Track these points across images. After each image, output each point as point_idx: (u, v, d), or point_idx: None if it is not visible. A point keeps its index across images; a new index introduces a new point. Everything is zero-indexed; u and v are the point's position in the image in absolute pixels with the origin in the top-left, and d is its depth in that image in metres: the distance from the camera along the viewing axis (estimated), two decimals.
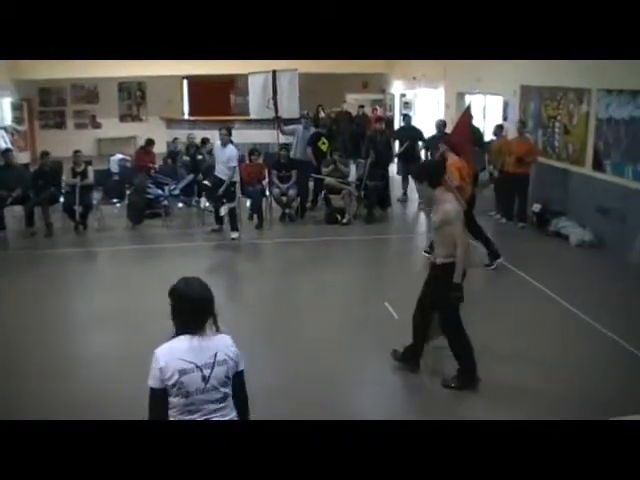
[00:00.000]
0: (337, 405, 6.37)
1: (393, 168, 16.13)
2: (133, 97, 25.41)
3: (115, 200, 14.00)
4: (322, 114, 20.48)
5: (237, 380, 3.74)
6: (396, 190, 15.69)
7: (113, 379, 6.78)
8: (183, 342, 3.64)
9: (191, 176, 14.29)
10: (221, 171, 12.46)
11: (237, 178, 12.69)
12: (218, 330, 3.77)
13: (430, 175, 6.44)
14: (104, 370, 7.07)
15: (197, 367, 3.58)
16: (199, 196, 13.93)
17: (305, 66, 16.96)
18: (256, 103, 15.24)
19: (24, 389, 6.64)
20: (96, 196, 13.86)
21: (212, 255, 11.96)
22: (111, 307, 9.06)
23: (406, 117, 16.61)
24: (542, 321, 8.41)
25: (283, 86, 14.76)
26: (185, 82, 25.53)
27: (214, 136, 15.94)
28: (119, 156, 16.24)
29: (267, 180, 13.90)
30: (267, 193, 13.75)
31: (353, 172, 14.81)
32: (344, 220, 13.38)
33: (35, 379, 6.82)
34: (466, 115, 13.40)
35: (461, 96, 17.48)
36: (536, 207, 12.66)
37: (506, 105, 14.73)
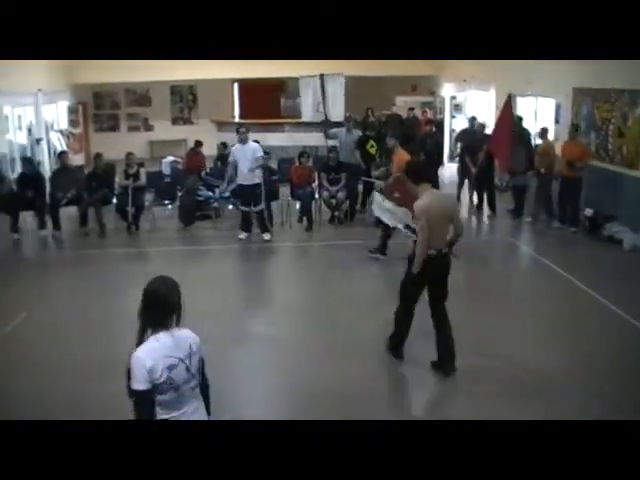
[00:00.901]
0: (382, 409, 6.37)
1: (452, 170, 16.02)
2: (185, 100, 25.70)
3: (167, 202, 14.19)
4: (371, 117, 20.45)
5: (201, 367, 3.95)
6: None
7: None
8: (163, 339, 3.76)
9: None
10: (244, 174, 12.38)
11: (259, 179, 12.60)
12: (178, 324, 3.93)
13: (416, 172, 7.09)
14: None
15: (181, 360, 3.77)
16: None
17: (354, 69, 17.04)
18: (307, 106, 15.35)
19: (72, 388, 6.77)
20: (148, 197, 14.06)
21: (260, 257, 12.04)
22: None
23: (471, 120, 16.36)
24: (596, 330, 8.26)
25: (330, 90, 14.84)
26: (236, 85, 25.73)
27: (265, 138, 16.08)
28: (171, 158, 16.43)
29: (317, 183, 13.95)
30: (317, 196, 13.79)
31: None
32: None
33: (81, 379, 6.94)
34: (507, 109, 13.29)
35: (512, 98, 17.28)
36: (588, 211, 12.47)
37: (558, 108, 14.55)
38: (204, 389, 4.02)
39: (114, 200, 13.61)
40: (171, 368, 3.71)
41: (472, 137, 15.25)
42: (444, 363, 7.02)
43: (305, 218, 13.50)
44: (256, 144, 12.61)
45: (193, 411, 3.85)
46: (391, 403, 6.69)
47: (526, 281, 10.28)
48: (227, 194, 14.02)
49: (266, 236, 12.50)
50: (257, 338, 8.16)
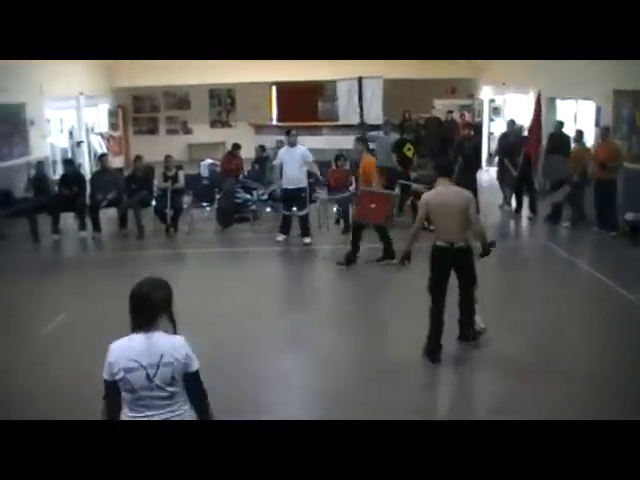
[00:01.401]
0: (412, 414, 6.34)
1: (490, 174, 15.92)
2: (223, 103, 25.89)
3: (205, 204, 14.28)
4: (409, 120, 20.39)
5: (189, 380, 3.80)
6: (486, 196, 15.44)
7: None
8: (134, 341, 3.75)
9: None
10: (291, 177, 12.38)
11: (305, 183, 12.63)
12: (175, 331, 3.88)
13: (438, 168, 7.82)
14: None
15: (142, 366, 3.68)
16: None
17: (393, 72, 17.02)
18: (344, 109, 15.37)
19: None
20: (186, 200, 14.16)
21: (297, 259, 12.07)
22: (193, 308, 9.26)
23: (510, 123, 16.21)
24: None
25: (368, 93, 14.84)
26: (274, 88, 25.83)
27: (302, 141, 16.09)
28: (209, 161, 16.55)
29: (353, 186, 13.93)
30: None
31: None
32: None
33: None
34: (537, 108, 13.18)
35: (552, 101, 17.13)
36: (629, 215, 12.29)
37: (598, 110, 14.37)
38: (195, 403, 3.87)
39: (153, 202, 13.74)
40: (128, 371, 3.68)
41: (511, 140, 15.13)
42: (464, 332, 7.54)
43: (342, 221, 13.49)
44: (304, 148, 12.63)
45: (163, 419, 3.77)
46: (429, 409, 6.65)
47: (564, 285, 10.13)
48: (265, 197, 14.08)
49: (307, 239, 12.52)
50: (294, 341, 8.18)
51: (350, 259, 10.86)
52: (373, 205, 10.71)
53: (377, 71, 15.47)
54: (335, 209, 13.82)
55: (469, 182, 13.89)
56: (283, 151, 12.66)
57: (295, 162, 12.34)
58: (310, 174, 13.91)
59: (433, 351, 7.30)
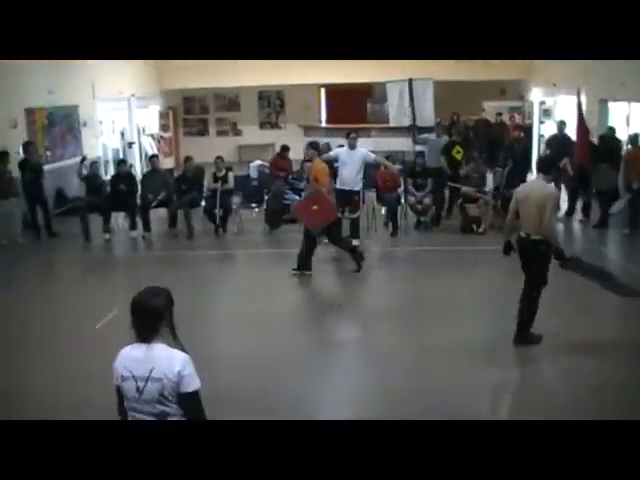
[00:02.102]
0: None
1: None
2: (272, 105, 26.01)
3: (254, 205, 14.37)
4: (458, 123, 20.25)
5: (182, 401, 3.56)
6: None
7: (237, 379, 7.02)
8: (132, 350, 3.64)
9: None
10: (347, 179, 12.30)
11: (360, 186, 12.58)
12: (177, 342, 3.68)
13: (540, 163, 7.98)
14: (227, 370, 7.31)
15: (133, 377, 3.56)
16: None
17: (442, 73, 16.93)
18: (395, 111, 15.34)
19: None
20: (236, 200, 14.26)
21: (343, 260, 12.04)
22: (239, 308, 9.39)
23: (560, 125, 15.99)
24: None
25: (418, 95, 14.77)
26: (323, 90, 25.89)
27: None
28: (258, 162, 16.65)
29: (403, 188, 13.91)
30: (402, 201, 13.75)
31: (490, 181, 14.59)
32: (480, 230, 13.20)
33: None
34: (579, 111, 13.05)
35: (604, 103, 16.88)
36: None
37: None
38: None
39: (202, 203, 13.86)
40: (123, 379, 3.60)
41: (562, 142, 14.92)
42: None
43: (391, 223, 13.47)
44: (365, 150, 12.53)
45: None
46: (480, 408, 6.61)
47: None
48: None
49: (356, 242, 12.49)
50: (345, 342, 8.18)
51: (301, 264, 10.54)
52: (315, 207, 10.48)
53: (426, 72, 15.39)
54: (384, 211, 13.78)
55: (518, 185, 13.77)
56: (342, 152, 12.59)
57: (354, 165, 12.24)
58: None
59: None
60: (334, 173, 12.41)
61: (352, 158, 12.26)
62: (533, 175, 15.43)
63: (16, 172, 13.01)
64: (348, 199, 12.33)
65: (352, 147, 12.35)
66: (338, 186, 12.36)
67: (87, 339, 8.24)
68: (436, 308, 9.44)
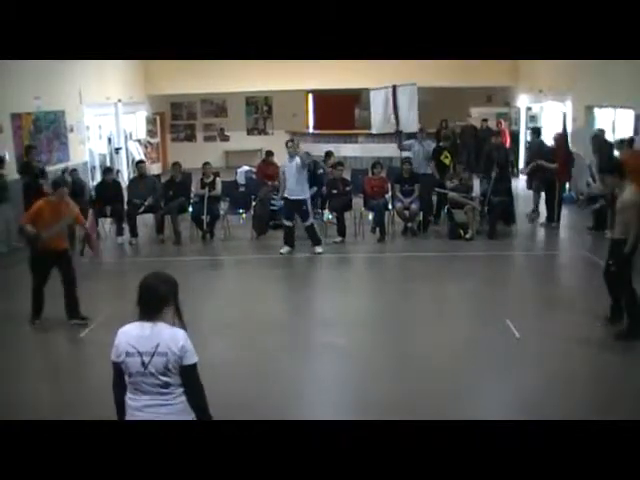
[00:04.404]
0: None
1: (521, 183, 15.83)
2: (260, 111, 26.03)
3: (241, 211, 14.36)
4: (445, 129, 20.31)
5: (184, 373, 3.93)
6: (522, 206, 15.34)
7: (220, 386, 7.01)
8: (135, 328, 3.97)
9: (314, 189, 14.44)
10: (290, 188, 12.34)
11: (308, 194, 12.57)
12: (181, 323, 4.07)
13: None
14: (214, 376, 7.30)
15: (138, 353, 3.89)
16: (322, 208, 14.05)
17: (429, 80, 16.98)
18: (378, 118, 15.36)
19: None
20: (223, 206, 14.25)
21: (330, 266, 12.07)
22: (226, 313, 9.40)
23: (534, 132, 16.14)
24: None
25: (403, 101, 14.80)
26: (310, 96, 25.92)
27: (338, 149, 16.12)
28: (246, 168, 16.63)
29: (390, 194, 13.93)
30: (390, 207, 13.77)
31: (477, 187, 14.64)
32: (467, 235, 13.23)
33: None
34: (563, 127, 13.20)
35: (590, 109, 16.98)
36: None
37: (637, 119, 14.20)
38: (190, 397, 3.98)
39: (190, 208, 13.84)
40: (127, 355, 3.90)
41: (537, 150, 15.03)
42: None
43: (378, 229, 13.48)
44: (299, 158, 12.50)
45: (155, 408, 3.91)
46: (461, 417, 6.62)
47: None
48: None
49: (318, 249, 12.47)
50: (327, 349, 8.17)
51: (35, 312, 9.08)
52: None
53: (413, 79, 15.43)
54: (371, 217, 13.80)
55: (506, 192, 13.84)
56: (286, 162, 12.65)
57: (292, 174, 12.30)
58: (346, 182, 13.92)
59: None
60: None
61: (291, 167, 12.33)
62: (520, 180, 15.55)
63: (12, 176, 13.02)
64: (295, 208, 12.39)
65: (291, 156, 12.38)
66: (286, 195, 12.43)
67: (71, 346, 8.21)
68: (423, 313, 9.47)
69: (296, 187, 12.31)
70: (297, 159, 12.34)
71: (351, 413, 6.43)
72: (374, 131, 16.34)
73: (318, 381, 7.37)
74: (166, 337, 3.90)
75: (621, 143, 13.18)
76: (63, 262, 8.79)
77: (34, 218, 8.51)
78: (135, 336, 3.92)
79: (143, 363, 3.87)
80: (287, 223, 12.57)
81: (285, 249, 12.50)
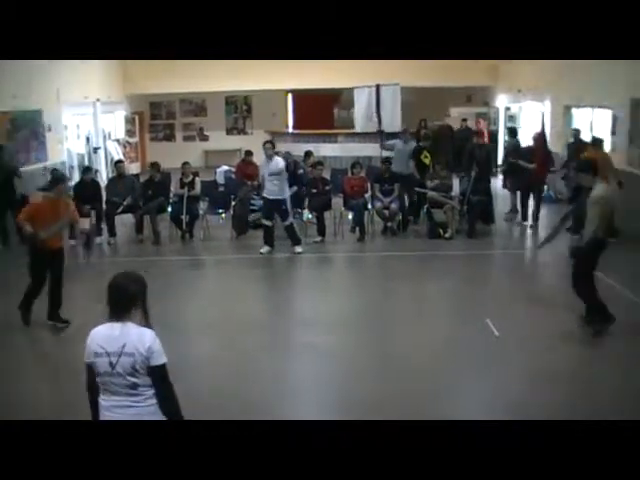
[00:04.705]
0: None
1: (500, 183, 15.92)
2: (239, 111, 25.96)
3: (220, 210, 14.32)
4: (425, 129, 20.37)
5: (152, 374, 3.90)
6: (501, 205, 15.41)
7: (205, 385, 6.98)
8: (104, 328, 3.97)
9: (294, 188, 14.43)
10: (269, 189, 12.34)
11: (287, 194, 12.59)
12: (148, 323, 4.03)
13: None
14: (194, 376, 7.27)
15: (106, 353, 3.87)
16: (302, 208, 14.04)
17: (409, 80, 17.02)
18: (361, 117, 15.40)
19: None
20: (202, 206, 14.20)
21: (310, 266, 12.07)
22: (205, 313, 9.38)
23: (511, 132, 16.25)
24: None
25: (386, 100, 14.84)
26: (290, 96, 25.90)
27: (318, 149, 16.13)
28: (225, 168, 16.57)
29: (369, 193, 13.94)
30: (369, 206, 13.79)
31: (456, 186, 14.69)
32: (446, 235, 13.27)
33: None
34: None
35: (568, 109, 17.10)
36: None
37: (615, 119, 14.32)
38: (159, 398, 3.94)
39: (169, 208, 13.78)
40: (96, 355, 3.89)
41: (513, 150, 15.13)
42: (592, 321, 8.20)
43: (357, 229, 13.49)
44: (280, 161, 12.50)
45: (123, 409, 3.89)
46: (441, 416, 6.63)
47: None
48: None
49: (298, 249, 12.47)
50: (308, 348, 8.16)
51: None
52: None
53: (393, 79, 15.49)
54: (350, 217, 13.80)
55: (485, 191, 13.90)
56: (263, 162, 12.65)
57: (271, 174, 12.29)
58: (325, 181, 13.93)
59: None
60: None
61: (269, 168, 12.33)
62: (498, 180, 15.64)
63: None
64: (275, 207, 12.39)
65: (269, 157, 12.38)
66: (265, 195, 12.41)
67: (49, 349, 8.16)
68: (403, 313, 9.49)
69: (275, 187, 12.30)
70: (276, 159, 12.35)
71: (332, 413, 6.42)
72: (357, 129, 16.41)
73: (299, 381, 7.37)
74: (133, 337, 3.88)
75: (594, 143, 13.35)
76: (56, 261, 8.69)
77: (32, 216, 8.38)
78: (104, 336, 3.91)
79: (111, 363, 3.85)
80: (266, 223, 12.53)
81: (265, 249, 12.47)
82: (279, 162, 12.39)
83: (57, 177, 9.14)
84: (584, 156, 12.82)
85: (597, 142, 13.50)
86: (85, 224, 9.69)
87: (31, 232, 8.33)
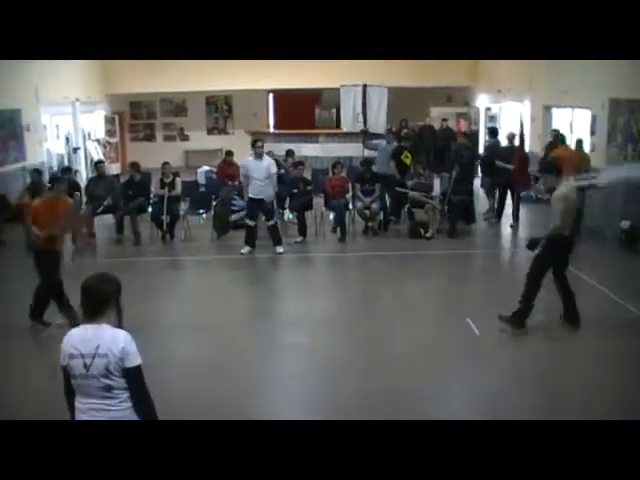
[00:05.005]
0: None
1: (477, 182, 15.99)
2: (220, 110, 25.91)
3: (201, 211, 14.27)
4: (405, 129, 20.42)
5: (126, 376, 3.86)
6: (482, 205, 15.48)
7: (188, 386, 6.95)
8: (79, 330, 3.96)
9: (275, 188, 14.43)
10: (256, 189, 12.28)
11: (272, 193, 12.57)
12: (120, 325, 3.98)
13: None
14: (175, 378, 7.24)
15: (81, 355, 3.84)
16: (282, 208, 14.03)
17: (389, 80, 17.06)
18: (347, 116, 15.43)
19: None
20: (183, 207, 14.15)
21: (292, 266, 12.07)
22: (186, 314, 9.35)
23: (491, 132, 16.34)
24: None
25: (372, 101, 14.88)
26: (271, 96, 25.87)
27: (299, 149, 16.12)
28: (206, 168, 16.54)
29: (351, 193, 13.95)
30: (350, 206, 13.79)
31: (437, 186, 14.73)
32: (427, 234, 13.31)
33: None
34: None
35: (547, 109, 17.19)
36: (625, 224, 12.31)
37: (594, 119, 14.41)
38: (134, 400, 3.90)
39: (149, 209, 13.72)
40: (70, 357, 3.86)
41: (494, 150, 15.21)
42: (571, 320, 8.29)
43: (339, 229, 13.49)
44: (271, 159, 12.54)
45: (98, 412, 3.86)
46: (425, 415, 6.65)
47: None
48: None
49: (279, 249, 12.46)
50: (290, 348, 8.16)
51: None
52: None
53: (374, 79, 15.53)
54: (332, 217, 13.81)
55: (466, 191, 13.97)
56: (249, 162, 12.59)
57: (260, 174, 12.23)
58: (306, 181, 13.95)
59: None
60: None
61: (259, 167, 12.27)
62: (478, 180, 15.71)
63: None
64: (260, 207, 12.37)
65: (259, 156, 12.35)
66: (250, 195, 12.37)
67: (32, 349, 8.10)
68: (384, 312, 9.50)
69: (263, 187, 12.26)
70: (266, 159, 12.35)
71: (316, 413, 6.43)
72: (344, 128, 16.43)
73: (281, 381, 7.36)
74: (107, 338, 3.84)
75: (562, 141, 13.53)
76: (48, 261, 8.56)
77: (33, 218, 8.32)
78: (78, 338, 3.89)
79: (85, 365, 3.82)
80: (250, 223, 12.49)
81: (246, 249, 12.44)
82: (270, 162, 12.40)
83: (56, 177, 9.11)
84: (551, 155, 13.02)
85: (564, 140, 13.74)
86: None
87: (38, 234, 8.27)
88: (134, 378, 3.86)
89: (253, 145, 12.55)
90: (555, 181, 8.22)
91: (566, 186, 8.14)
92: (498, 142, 15.57)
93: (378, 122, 15.02)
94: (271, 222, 12.48)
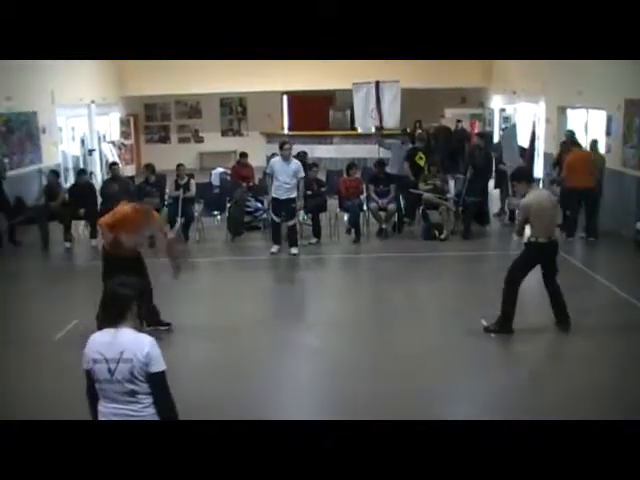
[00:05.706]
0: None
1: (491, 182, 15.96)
2: (234, 112, 25.97)
3: (216, 212, 14.30)
4: (420, 130, 20.40)
5: (150, 381, 3.87)
6: (496, 206, 15.45)
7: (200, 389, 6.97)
8: (101, 335, 3.95)
9: None
10: (281, 190, 12.30)
11: (295, 193, 12.52)
12: (141, 329, 4.03)
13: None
14: (190, 380, 7.26)
15: (105, 360, 3.84)
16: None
17: (404, 81, 17.03)
18: (360, 113, 15.43)
19: None
20: (197, 208, 14.18)
21: (306, 268, 12.06)
22: (201, 315, 9.39)
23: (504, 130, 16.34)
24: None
25: (386, 98, 14.88)
26: (285, 98, 25.90)
27: (312, 150, 16.09)
28: (220, 169, 16.54)
29: (365, 195, 13.94)
30: (365, 208, 13.78)
31: (452, 187, 14.71)
32: (442, 236, 13.27)
33: None
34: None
35: (562, 110, 17.11)
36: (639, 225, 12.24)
37: (609, 120, 14.34)
38: (157, 405, 3.91)
39: (164, 210, 13.74)
40: (94, 362, 3.86)
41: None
42: (561, 321, 8.24)
43: (353, 230, 13.49)
44: (299, 162, 12.58)
45: (122, 417, 3.86)
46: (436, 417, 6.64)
47: (581, 298, 10.02)
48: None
49: (294, 250, 12.46)
50: (303, 349, 8.17)
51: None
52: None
53: (389, 80, 15.52)
54: (346, 218, 13.81)
55: (480, 192, 13.94)
56: (275, 162, 12.61)
57: (287, 176, 12.25)
58: (321, 183, 13.96)
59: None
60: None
61: (285, 169, 12.28)
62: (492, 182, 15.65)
63: None
64: (283, 207, 12.38)
65: (286, 158, 12.37)
66: (273, 195, 12.39)
67: (46, 350, 8.14)
68: (398, 314, 9.48)
69: (288, 188, 12.29)
70: (294, 162, 12.39)
71: (329, 413, 6.42)
72: (358, 126, 16.45)
73: (295, 381, 7.37)
74: (130, 343, 3.85)
75: (594, 143, 13.44)
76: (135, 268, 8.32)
77: (116, 224, 8.37)
78: (101, 342, 3.89)
79: (110, 370, 3.82)
80: (276, 219, 12.51)
81: (275, 248, 12.46)
82: (298, 166, 12.42)
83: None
84: (566, 157, 13.04)
85: (576, 142, 13.68)
86: None
87: (112, 239, 8.38)
88: (158, 383, 3.88)
89: (281, 147, 12.54)
90: (525, 188, 8.23)
91: (534, 194, 8.13)
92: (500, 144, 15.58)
93: (392, 117, 14.99)
94: (291, 222, 12.49)
